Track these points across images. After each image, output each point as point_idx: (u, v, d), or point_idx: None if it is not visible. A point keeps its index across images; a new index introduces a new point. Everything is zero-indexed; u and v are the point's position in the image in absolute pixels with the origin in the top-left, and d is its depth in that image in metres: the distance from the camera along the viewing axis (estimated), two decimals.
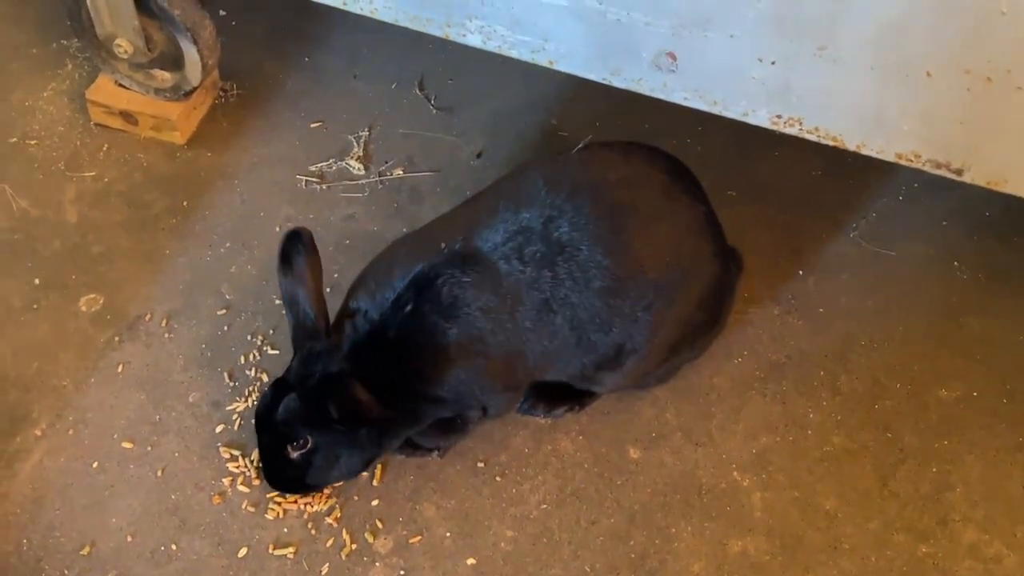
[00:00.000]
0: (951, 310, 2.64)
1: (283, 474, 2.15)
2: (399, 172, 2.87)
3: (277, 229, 2.71)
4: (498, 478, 2.35)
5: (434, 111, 3.02)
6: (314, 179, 2.83)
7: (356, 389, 2.00)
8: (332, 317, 2.19)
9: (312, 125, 2.95)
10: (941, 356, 2.56)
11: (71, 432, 2.37)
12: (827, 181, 2.88)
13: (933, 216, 2.82)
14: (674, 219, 2.23)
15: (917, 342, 2.58)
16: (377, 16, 2.38)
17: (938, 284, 2.69)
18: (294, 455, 2.10)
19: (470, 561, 2.24)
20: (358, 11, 2.38)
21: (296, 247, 2.11)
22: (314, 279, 2.11)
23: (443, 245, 2.14)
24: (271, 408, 2.10)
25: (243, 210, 2.76)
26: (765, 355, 2.55)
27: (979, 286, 2.69)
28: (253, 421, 2.17)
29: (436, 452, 2.35)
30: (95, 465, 2.33)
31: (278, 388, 2.12)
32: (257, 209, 2.76)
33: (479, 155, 2.91)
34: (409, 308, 2.08)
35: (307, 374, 2.07)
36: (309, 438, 2.08)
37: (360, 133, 2.94)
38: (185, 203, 2.77)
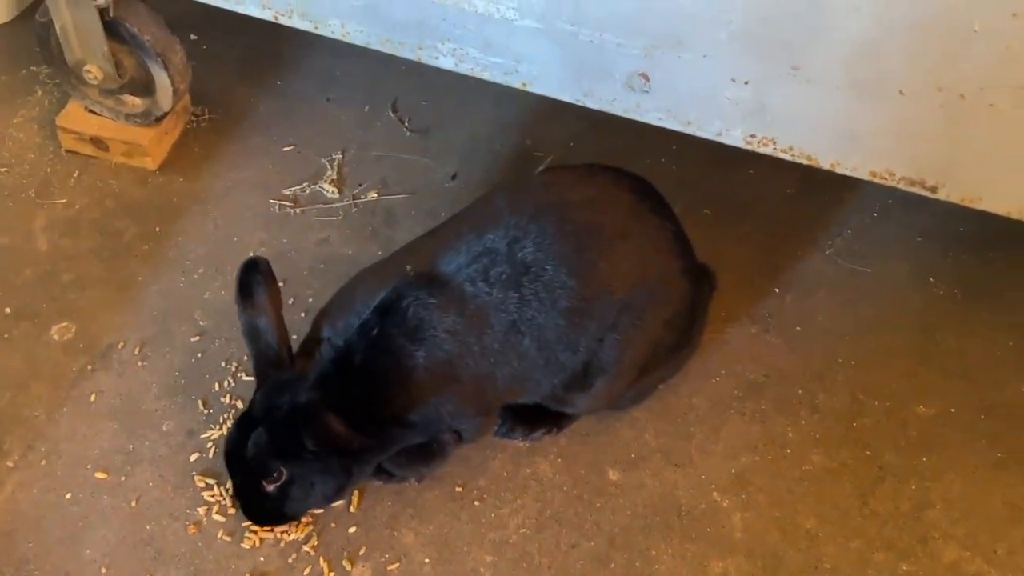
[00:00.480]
0: (928, 326, 2.64)
1: (262, 508, 2.13)
2: (373, 195, 2.85)
3: (251, 254, 2.66)
4: (476, 503, 2.33)
5: (408, 133, 3.01)
6: (288, 203, 2.81)
7: (330, 420, 1.98)
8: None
9: (285, 149, 2.94)
10: (919, 373, 2.56)
11: (44, 463, 2.34)
12: (802, 198, 2.88)
13: (908, 232, 2.82)
14: (640, 238, 2.21)
15: (895, 359, 2.58)
16: (349, 40, 2.36)
17: (915, 301, 2.69)
18: (270, 488, 2.08)
19: None
20: (329, 34, 2.37)
21: (255, 277, 2.09)
22: (274, 308, 2.10)
23: (408, 268, 2.13)
24: (240, 445, 2.07)
25: (216, 235, 2.74)
26: (743, 374, 2.55)
27: (955, 302, 2.69)
28: (223, 460, 2.14)
29: (414, 478, 2.33)
30: (68, 496, 2.30)
31: (243, 424, 2.09)
32: (230, 234, 2.74)
33: (454, 177, 2.90)
34: (375, 332, 2.06)
35: (273, 406, 2.05)
36: (283, 470, 2.06)
37: (333, 156, 2.93)
38: (157, 229, 2.74)
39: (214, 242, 2.73)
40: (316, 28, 2.38)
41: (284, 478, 2.07)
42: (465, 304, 2.09)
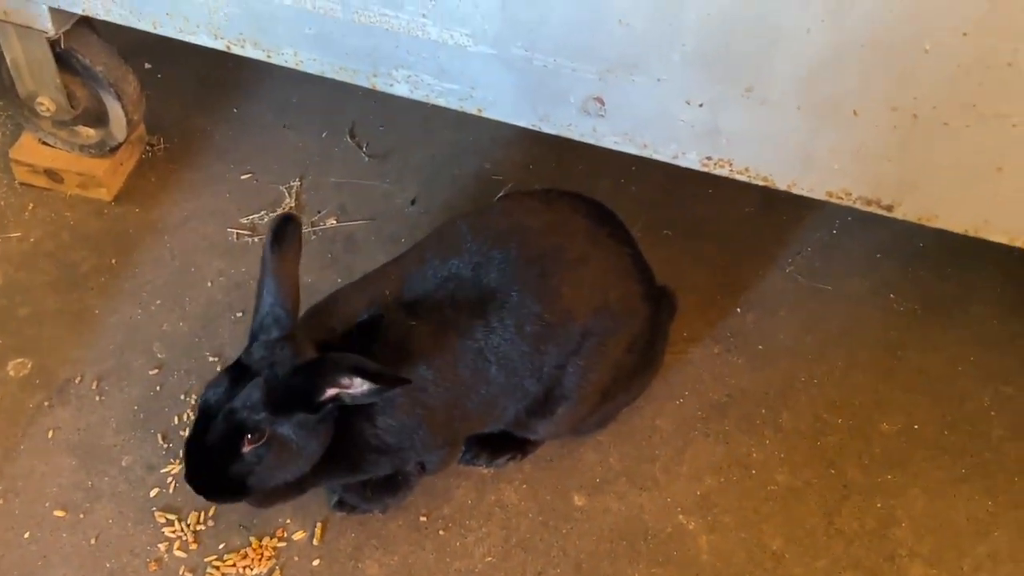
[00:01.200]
0: (889, 343, 2.65)
1: (225, 475, 1.97)
2: (332, 221, 2.83)
3: (209, 284, 2.66)
4: (441, 532, 2.31)
5: (366, 159, 3.00)
6: (246, 232, 2.79)
7: (359, 358, 1.90)
8: None
9: (242, 177, 2.91)
10: (881, 389, 2.56)
11: (1, 502, 2.30)
12: (761, 217, 2.88)
13: (867, 249, 2.83)
14: (600, 263, 2.21)
15: (857, 376, 2.58)
16: (303, 68, 2.35)
17: (876, 317, 2.70)
18: (247, 449, 1.94)
19: None
20: (283, 63, 2.35)
21: (290, 229, 2.01)
22: (295, 267, 2.02)
23: (387, 292, 2.11)
24: (229, 396, 1.94)
25: (173, 266, 2.71)
26: (706, 395, 2.54)
27: (916, 318, 2.70)
28: (198, 408, 1.99)
29: (378, 509, 2.31)
30: (27, 535, 2.26)
31: (236, 375, 1.96)
32: (188, 265, 2.72)
33: (413, 202, 2.89)
34: (356, 349, 2.04)
35: (276, 360, 1.94)
36: (267, 429, 1.93)
37: (292, 183, 2.91)
38: (114, 261, 2.71)
39: (171, 273, 2.70)
40: (269, 57, 2.36)
41: (264, 439, 1.94)
42: (437, 331, 2.08)
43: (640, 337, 2.28)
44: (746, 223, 2.87)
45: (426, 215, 2.85)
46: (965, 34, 1.84)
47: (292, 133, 3.03)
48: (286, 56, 2.34)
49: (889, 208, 2.15)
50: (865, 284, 2.76)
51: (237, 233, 2.78)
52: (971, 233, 2.14)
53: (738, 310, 2.69)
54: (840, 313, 2.70)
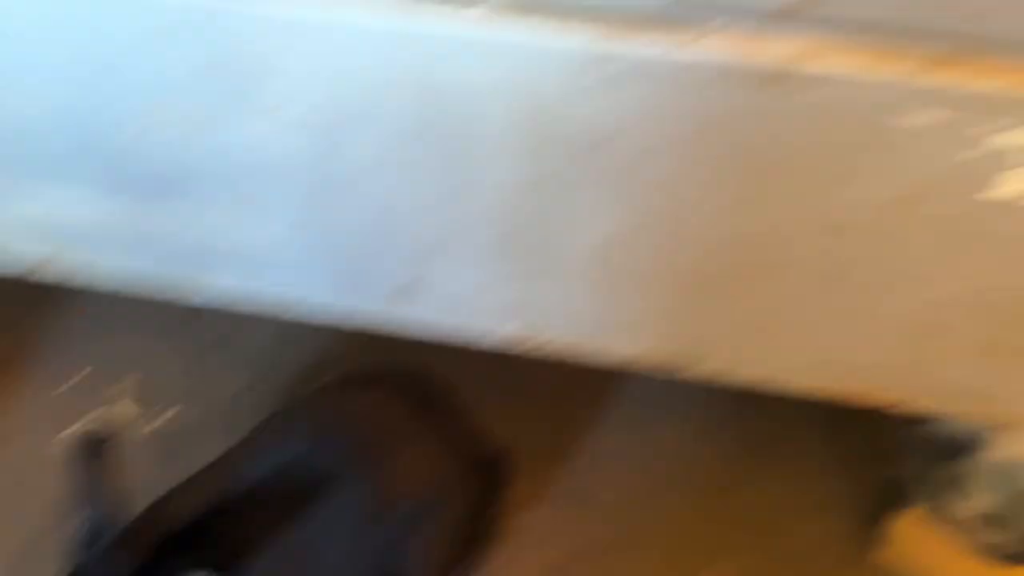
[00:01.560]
0: (719, 484, 2.71)
1: None
2: (170, 414, 2.83)
3: (39, 501, 2.62)
4: None
5: (202, 348, 3.00)
6: (76, 441, 2.76)
7: (194, 558, 1.93)
8: None
9: (72, 383, 2.89)
10: (713, 532, 2.61)
11: None
12: (590, 372, 2.89)
13: (693, 391, 2.90)
14: (431, 438, 2.26)
15: (689, 520, 2.63)
16: (100, 288, 2.34)
17: (703, 459, 2.76)
18: None
19: None
20: (89, 281, 2.35)
21: (106, 442, 2.04)
22: (119, 477, 2.02)
23: (221, 485, 2.12)
24: None
25: (2, 485, 2.67)
26: (547, 556, 2.56)
27: (743, 457, 2.77)
28: None
29: None
30: None
31: None
32: (15, 483, 2.67)
33: (250, 389, 2.90)
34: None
35: (108, 569, 1.93)
36: None
37: (125, 381, 2.89)
38: None
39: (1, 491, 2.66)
40: (73, 275, 2.35)
41: None
42: (275, 526, 2.09)
43: (476, 506, 2.32)
44: (575, 379, 2.93)
45: (263, 402, 2.86)
46: (732, 207, 1.95)
47: (124, 331, 3.02)
48: (96, 274, 2.34)
49: (693, 365, 2.23)
50: (693, 427, 2.83)
51: (67, 443, 2.75)
52: (769, 384, 2.23)
53: (572, 467, 2.74)
54: (669, 458, 2.76)
